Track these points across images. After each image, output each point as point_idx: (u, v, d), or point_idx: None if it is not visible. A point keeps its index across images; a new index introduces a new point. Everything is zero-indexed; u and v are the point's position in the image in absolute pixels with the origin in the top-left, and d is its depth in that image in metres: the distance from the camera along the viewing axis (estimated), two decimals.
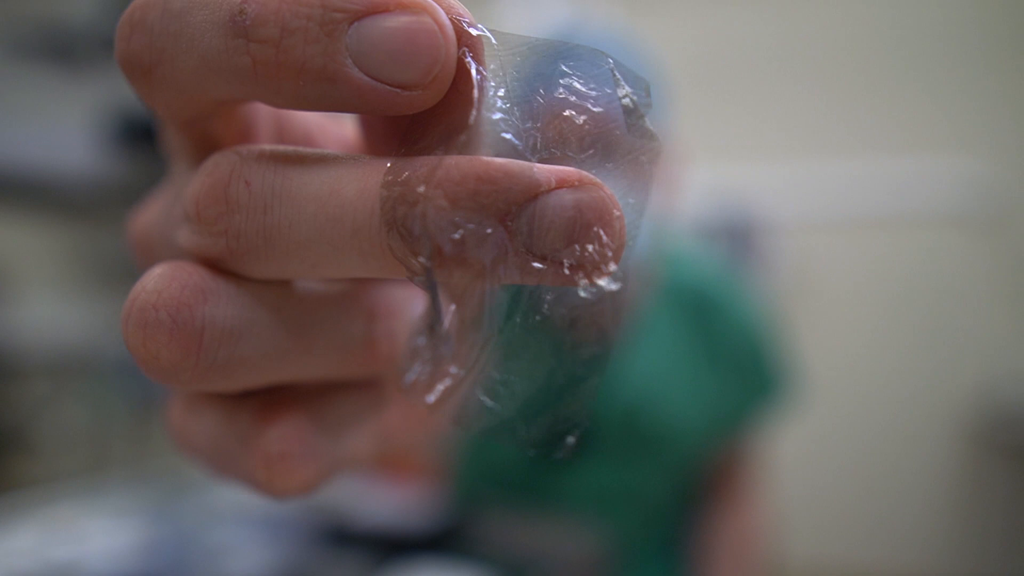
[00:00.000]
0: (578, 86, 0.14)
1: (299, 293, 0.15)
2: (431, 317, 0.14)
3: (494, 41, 0.13)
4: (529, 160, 0.13)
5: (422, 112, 0.13)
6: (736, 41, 2.88)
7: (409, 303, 0.18)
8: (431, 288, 0.13)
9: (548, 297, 0.14)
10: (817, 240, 2.76)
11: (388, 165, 0.13)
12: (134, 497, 0.78)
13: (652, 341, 0.90)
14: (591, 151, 0.14)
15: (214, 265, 0.14)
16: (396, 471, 0.80)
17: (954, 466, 2.55)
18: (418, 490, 0.74)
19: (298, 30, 0.12)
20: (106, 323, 3.69)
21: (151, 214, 0.17)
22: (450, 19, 0.12)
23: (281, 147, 0.14)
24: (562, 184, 0.12)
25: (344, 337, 0.16)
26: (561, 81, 0.14)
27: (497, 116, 0.13)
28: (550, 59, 0.14)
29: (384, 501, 0.70)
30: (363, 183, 0.13)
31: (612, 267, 0.13)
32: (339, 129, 0.19)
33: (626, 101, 0.14)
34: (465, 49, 0.13)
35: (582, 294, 0.14)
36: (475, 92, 0.13)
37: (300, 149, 0.14)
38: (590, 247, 0.12)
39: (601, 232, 0.12)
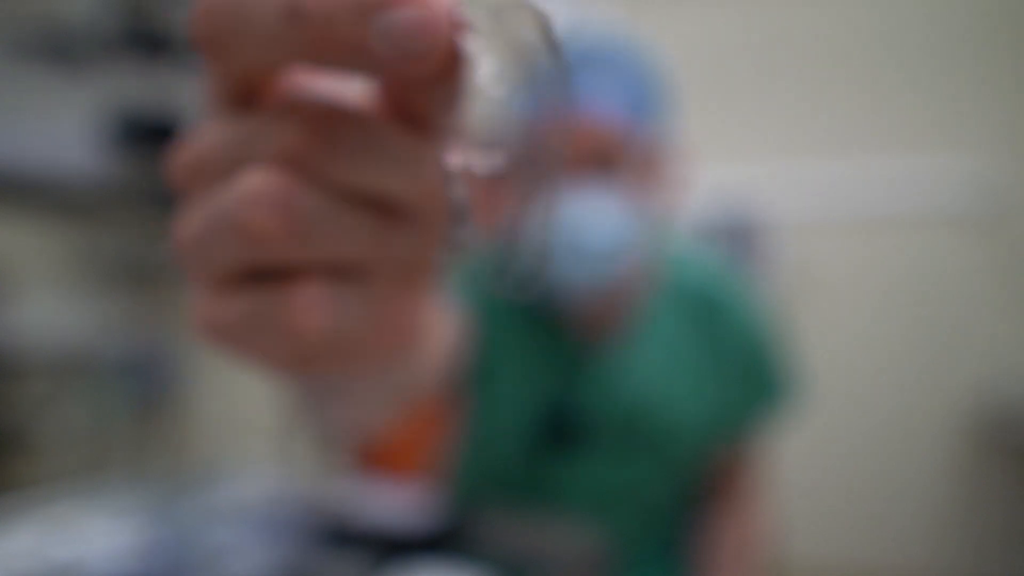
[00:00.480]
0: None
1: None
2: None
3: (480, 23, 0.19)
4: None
5: (427, 77, 0.19)
6: (736, 41, 2.88)
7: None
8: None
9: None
10: (817, 239, 2.76)
11: None
12: (134, 497, 0.78)
13: (655, 341, 0.90)
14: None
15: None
16: (397, 468, 0.80)
17: (953, 464, 2.55)
18: (418, 490, 0.74)
19: (341, 18, 0.17)
20: (106, 323, 3.69)
21: (209, 142, 0.21)
22: (445, 11, 0.17)
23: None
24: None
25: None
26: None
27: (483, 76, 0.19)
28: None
29: (384, 501, 0.70)
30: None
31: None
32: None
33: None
34: (458, 31, 0.18)
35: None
36: (462, 63, 0.19)
37: None
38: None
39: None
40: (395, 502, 0.70)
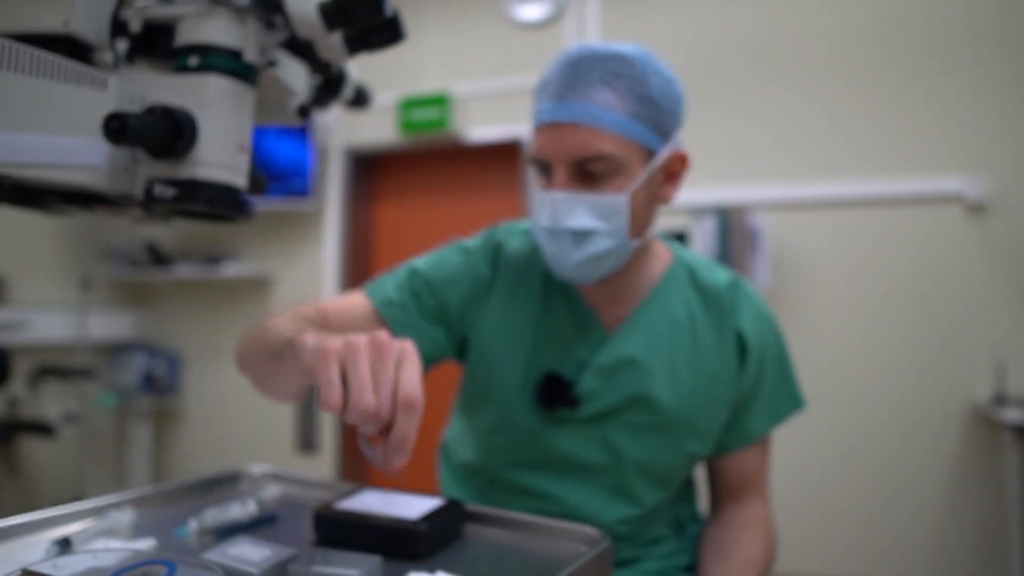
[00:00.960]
0: None
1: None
2: None
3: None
4: None
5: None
6: (735, 44, 2.88)
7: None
8: None
9: None
10: (816, 238, 2.76)
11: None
12: (135, 499, 0.78)
13: (661, 325, 0.94)
14: None
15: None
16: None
17: (953, 463, 2.55)
18: (419, 491, 0.75)
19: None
20: (106, 323, 3.69)
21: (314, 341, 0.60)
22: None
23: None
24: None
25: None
26: None
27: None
28: None
29: (383, 501, 0.71)
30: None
31: None
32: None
33: None
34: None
35: None
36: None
37: None
38: None
39: None
40: (394, 501, 0.70)
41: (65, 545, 0.63)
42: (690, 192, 2.88)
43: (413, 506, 0.69)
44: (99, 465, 3.66)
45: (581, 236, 0.84)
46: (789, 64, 2.79)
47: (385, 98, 3.34)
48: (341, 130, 3.56)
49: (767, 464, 1.00)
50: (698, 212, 2.77)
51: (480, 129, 3.29)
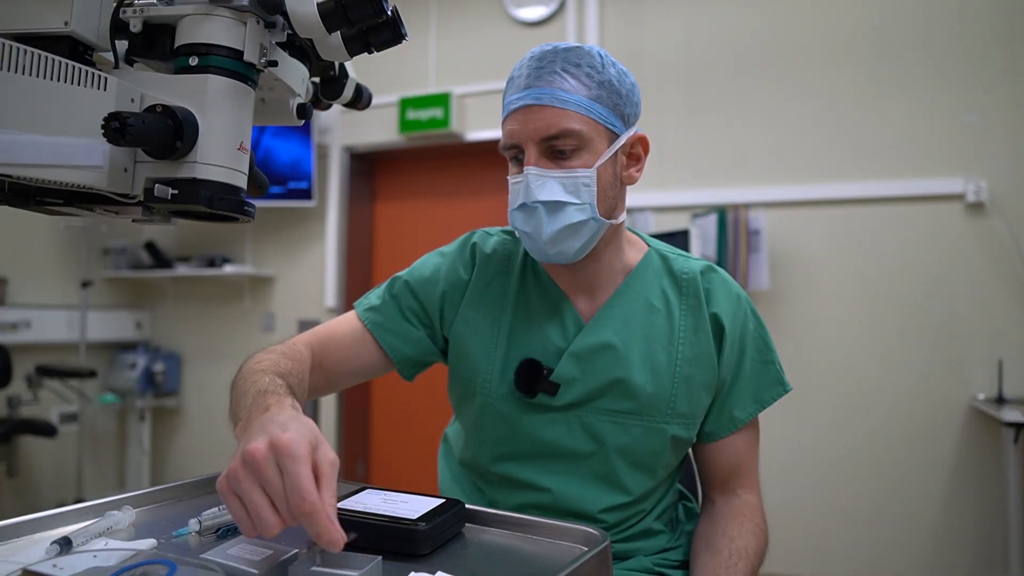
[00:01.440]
0: None
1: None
2: None
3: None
4: None
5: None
6: (735, 44, 2.88)
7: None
8: None
9: None
10: (816, 237, 2.75)
11: None
12: (135, 499, 0.78)
13: (635, 311, 0.96)
14: None
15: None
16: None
17: (953, 462, 2.55)
18: (415, 490, 0.75)
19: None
20: (106, 323, 3.69)
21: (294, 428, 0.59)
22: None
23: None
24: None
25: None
26: None
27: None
28: None
29: (383, 500, 0.71)
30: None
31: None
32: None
33: None
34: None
35: None
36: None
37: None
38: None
39: None
40: (393, 501, 0.70)
41: (65, 545, 0.63)
42: (690, 192, 2.88)
43: (413, 506, 0.69)
44: (99, 465, 3.66)
45: (554, 207, 0.87)
46: (789, 64, 2.79)
47: (385, 98, 3.34)
48: (341, 130, 3.55)
49: (756, 453, 1.00)
50: (698, 212, 2.77)
51: (480, 129, 3.29)
